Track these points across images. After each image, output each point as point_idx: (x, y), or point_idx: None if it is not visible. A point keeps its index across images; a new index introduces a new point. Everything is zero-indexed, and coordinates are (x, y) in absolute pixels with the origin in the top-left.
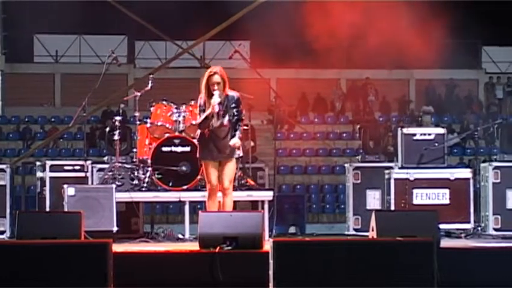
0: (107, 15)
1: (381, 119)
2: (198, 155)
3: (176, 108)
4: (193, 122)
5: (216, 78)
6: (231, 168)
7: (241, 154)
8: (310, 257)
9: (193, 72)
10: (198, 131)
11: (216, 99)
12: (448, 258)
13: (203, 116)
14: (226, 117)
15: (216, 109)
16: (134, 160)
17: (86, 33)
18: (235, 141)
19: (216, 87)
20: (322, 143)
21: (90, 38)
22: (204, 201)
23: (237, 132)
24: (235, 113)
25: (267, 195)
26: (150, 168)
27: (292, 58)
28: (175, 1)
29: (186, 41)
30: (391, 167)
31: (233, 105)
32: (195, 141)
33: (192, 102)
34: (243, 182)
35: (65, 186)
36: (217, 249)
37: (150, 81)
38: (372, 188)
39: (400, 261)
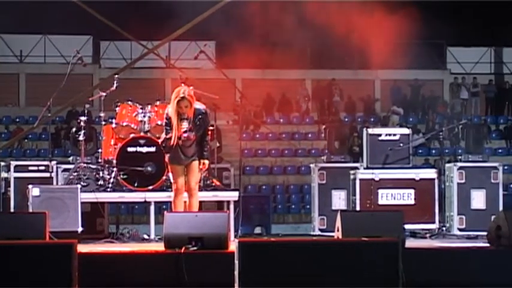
0: (72, 15)
1: (346, 119)
2: (166, 160)
3: (141, 108)
4: (159, 123)
5: (185, 103)
6: (197, 169)
7: (206, 166)
8: (275, 258)
9: (158, 72)
10: (163, 137)
11: (184, 126)
12: (413, 258)
13: (168, 135)
14: (193, 132)
15: (185, 135)
16: (99, 160)
17: (50, 33)
18: (206, 162)
19: (184, 110)
20: (287, 143)
21: (55, 38)
22: (170, 202)
23: (206, 153)
24: (203, 125)
25: (232, 195)
26: (115, 169)
27: (258, 58)
28: (141, 1)
29: (151, 41)
30: (356, 168)
31: (199, 117)
32: (160, 140)
33: (158, 103)
34: (208, 182)
35: (30, 186)
36: (182, 250)
37: (115, 82)
38: (338, 189)
39: (366, 261)
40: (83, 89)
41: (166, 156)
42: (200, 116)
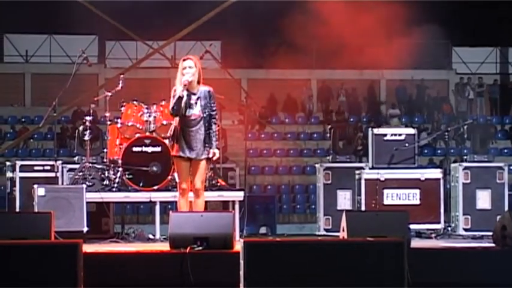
0: (77, 15)
1: (351, 119)
2: (171, 153)
3: (147, 108)
4: (164, 122)
5: (189, 62)
6: (202, 169)
7: (217, 155)
8: (280, 258)
9: (164, 72)
10: (172, 126)
11: (186, 77)
12: (418, 258)
13: (176, 97)
14: (198, 107)
15: (186, 82)
16: (105, 160)
17: (56, 33)
18: (215, 151)
19: (188, 70)
20: (293, 143)
21: (61, 38)
22: (175, 202)
23: (214, 142)
24: (208, 106)
25: (237, 195)
26: (120, 169)
27: (263, 58)
28: (146, 1)
29: (156, 41)
30: (361, 168)
31: (206, 98)
32: (166, 141)
33: (163, 103)
34: (213, 182)
35: (35, 186)
36: (187, 250)
37: (120, 82)
38: (343, 189)
39: (371, 261)
40: (88, 88)
41: (172, 151)
42: (205, 95)
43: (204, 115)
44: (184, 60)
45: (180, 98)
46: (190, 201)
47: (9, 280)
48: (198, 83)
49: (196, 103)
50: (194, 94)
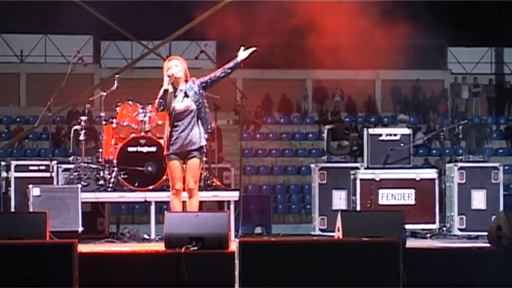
0: (72, 15)
1: (347, 119)
2: (163, 154)
3: (142, 108)
4: (160, 122)
5: (174, 61)
6: (195, 168)
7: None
8: (275, 258)
9: (159, 72)
10: (167, 132)
11: (171, 71)
12: (413, 258)
13: (161, 91)
14: (188, 100)
15: (171, 74)
16: (100, 160)
17: (51, 32)
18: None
19: (175, 69)
20: (288, 143)
21: (56, 38)
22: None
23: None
24: (200, 86)
25: (233, 195)
26: (115, 169)
27: (259, 58)
28: (141, 1)
29: (152, 41)
30: (357, 168)
31: (192, 88)
32: (161, 141)
33: None
34: (209, 182)
35: (30, 186)
36: (183, 250)
37: (115, 81)
38: (338, 189)
39: (366, 261)
40: (83, 88)
41: (164, 151)
42: (194, 84)
43: (196, 107)
44: (169, 60)
45: (166, 91)
46: (184, 201)
47: (4, 280)
48: (186, 82)
49: (184, 97)
50: (181, 90)
